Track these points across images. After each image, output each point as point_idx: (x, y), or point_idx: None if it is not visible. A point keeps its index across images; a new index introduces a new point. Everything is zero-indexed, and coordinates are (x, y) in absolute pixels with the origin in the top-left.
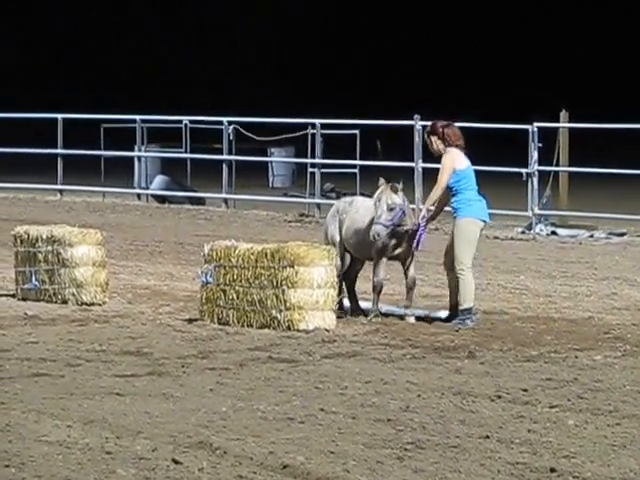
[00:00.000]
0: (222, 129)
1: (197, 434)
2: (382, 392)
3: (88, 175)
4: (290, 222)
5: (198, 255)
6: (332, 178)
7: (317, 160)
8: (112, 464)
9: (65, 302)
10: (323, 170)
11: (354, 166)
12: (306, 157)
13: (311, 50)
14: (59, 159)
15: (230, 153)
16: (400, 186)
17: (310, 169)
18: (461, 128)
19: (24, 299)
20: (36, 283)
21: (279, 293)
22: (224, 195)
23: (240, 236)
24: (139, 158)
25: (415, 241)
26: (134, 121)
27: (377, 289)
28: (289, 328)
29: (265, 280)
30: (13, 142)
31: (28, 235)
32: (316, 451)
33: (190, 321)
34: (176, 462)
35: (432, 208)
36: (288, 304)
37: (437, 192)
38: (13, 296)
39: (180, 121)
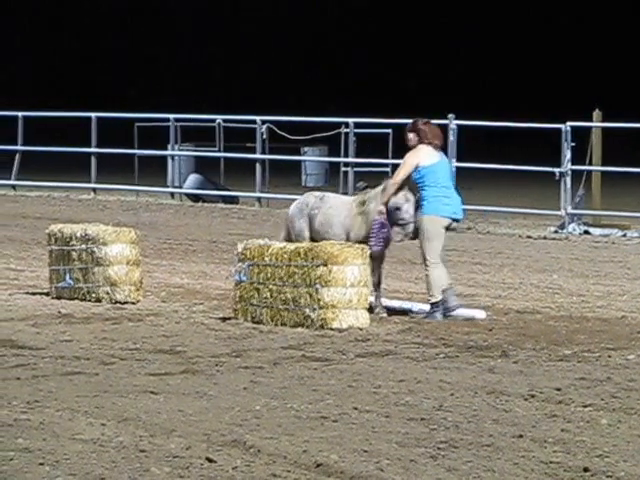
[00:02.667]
0: (255, 128)
1: (231, 432)
2: (415, 391)
3: (122, 174)
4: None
5: (231, 254)
6: (365, 177)
7: (350, 159)
8: (146, 462)
9: (99, 300)
10: (356, 169)
11: (387, 165)
12: (339, 156)
13: (345, 49)
14: (93, 158)
15: (263, 152)
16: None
17: (343, 168)
18: (495, 127)
19: (58, 297)
20: (70, 281)
21: (312, 292)
22: (257, 194)
23: (273, 235)
24: (173, 157)
25: (372, 238)
26: (168, 120)
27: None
28: (322, 327)
29: (298, 279)
30: (47, 141)
31: (62, 233)
32: (350, 450)
33: (224, 320)
34: (210, 460)
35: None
36: (321, 303)
37: (391, 189)
38: (47, 294)
39: (214, 120)
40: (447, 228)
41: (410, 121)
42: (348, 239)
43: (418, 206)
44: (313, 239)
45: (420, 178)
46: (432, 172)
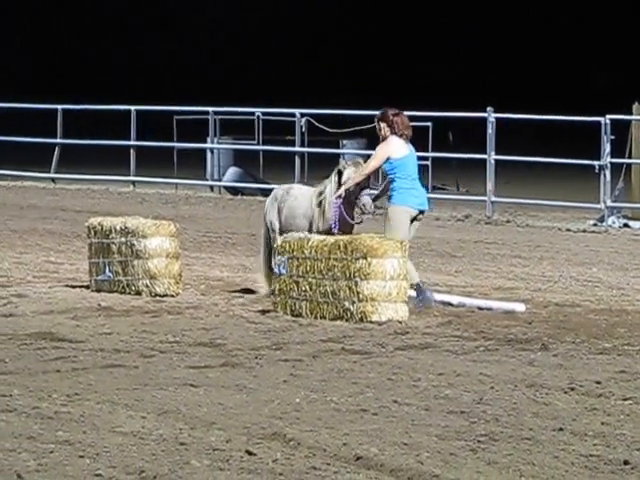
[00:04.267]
0: (294, 121)
1: (271, 425)
2: (455, 384)
3: (161, 167)
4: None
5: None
6: None
7: None
8: (186, 455)
9: (139, 293)
10: None
11: (426, 158)
12: None
13: (385, 42)
14: (132, 151)
15: (302, 145)
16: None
17: None
18: (533, 120)
19: (98, 290)
20: (110, 274)
21: (352, 285)
22: None
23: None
24: (212, 150)
25: (331, 221)
26: (207, 113)
27: None
28: (362, 320)
29: (338, 272)
30: (87, 134)
31: (102, 227)
32: (389, 443)
33: (263, 312)
34: (250, 453)
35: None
36: (361, 296)
37: (358, 178)
38: (87, 287)
39: (252, 113)
40: (415, 219)
41: (380, 111)
42: (310, 230)
43: (381, 195)
44: (282, 231)
45: (391, 170)
46: (403, 164)
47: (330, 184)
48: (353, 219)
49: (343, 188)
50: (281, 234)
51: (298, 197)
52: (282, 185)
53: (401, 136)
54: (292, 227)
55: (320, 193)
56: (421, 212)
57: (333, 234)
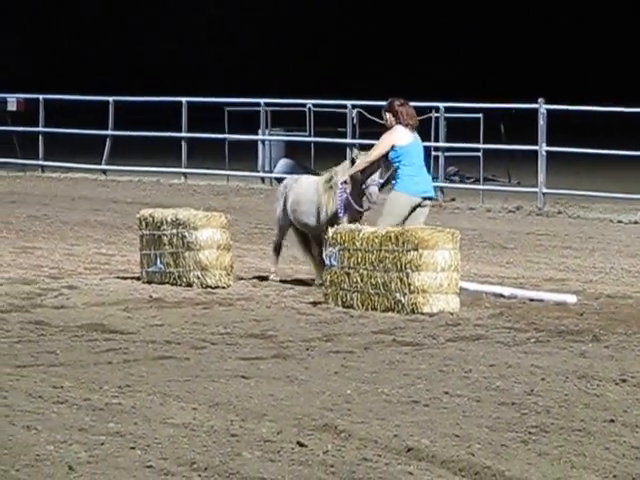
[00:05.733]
0: (346, 113)
1: (322, 417)
2: (506, 375)
3: (212, 159)
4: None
5: (322, 239)
6: (456, 162)
7: (441, 144)
8: (237, 447)
9: (190, 285)
10: (447, 154)
11: (478, 149)
12: (429, 141)
13: (435, 34)
14: (183, 143)
15: (354, 137)
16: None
17: (434, 152)
18: (584, 112)
19: (149, 282)
20: (161, 266)
21: (403, 276)
22: None
23: (364, 219)
24: (263, 142)
25: (337, 208)
26: (258, 104)
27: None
28: (413, 311)
29: (389, 263)
30: (138, 126)
31: (153, 218)
32: (440, 434)
33: (314, 304)
34: (301, 445)
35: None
36: (412, 287)
37: (361, 165)
38: (138, 279)
39: (304, 105)
40: (419, 206)
41: (386, 102)
42: (319, 217)
43: (386, 184)
44: (291, 221)
45: (396, 157)
46: (407, 152)
47: (341, 171)
48: (362, 207)
49: (347, 174)
50: (286, 222)
51: (304, 185)
52: (292, 176)
53: (406, 126)
54: (297, 214)
55: (328, 180)
56: (428, 198)
57: (339, 220)
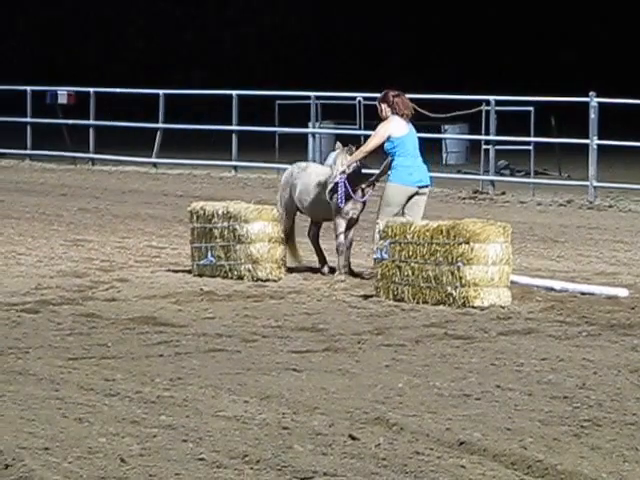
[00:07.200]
0: None
1: (374, 410)
2: (558, 369)
3: (262, 152)
4: (464, 199)
5: (373, 231)
6: (506, 155)
7: (491, 137)
8: (289, 439)
9: (241, 278)
10: (497, 147)
11: (528, 143)
12: (480, 134)
13: (485, 27)
14: (234, 135)
15: None
16: (353, 149)
17: (484, 146)
18: (633, 104)
19: (200, 275)
20: (212, 259)
21: (454, 270)
22: None
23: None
24: (313, 135)
25: (337, 197)
26: (308, 98)
27: (339, 250)
28: (464, 305)
29: (440, 256)
30: (189, 119)
31: (204, 211)
32: (492, 428)
33: (365, 297)
34: (353, 438)
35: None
36: (463, 281)
37: (359, 155)
38: (189, 272)
39: (354, 98)
40: (416, 194)
41: (381, 93)
42: (328, 205)
43: (382, 174)
44: (298, 209)
45: (392, 148)
46: (402, 143)
47: (339, 160)
48: (362, 196)
49: (346, 163)
50: (292, 210)
51: (314, 173)
52: (299, 163)
53: (402, 116)
54: (305, 202)
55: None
56: (424, 187)
57: (340, 209)
